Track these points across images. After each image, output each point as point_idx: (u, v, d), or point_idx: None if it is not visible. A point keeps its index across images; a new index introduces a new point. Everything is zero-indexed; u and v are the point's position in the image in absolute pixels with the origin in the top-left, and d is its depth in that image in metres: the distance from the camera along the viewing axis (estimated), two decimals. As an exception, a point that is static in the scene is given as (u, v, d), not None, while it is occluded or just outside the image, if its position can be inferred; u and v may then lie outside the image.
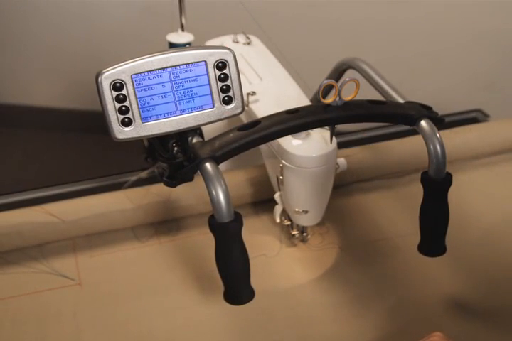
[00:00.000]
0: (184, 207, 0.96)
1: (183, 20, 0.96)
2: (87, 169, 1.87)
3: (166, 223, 0.97)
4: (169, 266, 0.90)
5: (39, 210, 0.91)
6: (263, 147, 0.87)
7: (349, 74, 0.91)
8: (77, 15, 1.86)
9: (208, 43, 0.98)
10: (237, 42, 0.98)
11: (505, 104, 1.78)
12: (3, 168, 1.92)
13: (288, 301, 0.85)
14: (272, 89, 0.89)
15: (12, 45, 1.95)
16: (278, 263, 0.91)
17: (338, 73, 0.93)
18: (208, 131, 0.88)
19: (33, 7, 1.85)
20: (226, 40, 0.98)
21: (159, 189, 0.95)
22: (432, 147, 0.70)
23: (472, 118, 1.27)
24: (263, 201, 0.99)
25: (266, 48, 0.98)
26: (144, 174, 1.04)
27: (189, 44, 0.96)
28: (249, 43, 0.98)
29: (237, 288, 0.68)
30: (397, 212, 0.90)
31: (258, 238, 0.94)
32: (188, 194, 0.95)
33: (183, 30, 0.96)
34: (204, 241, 0.93)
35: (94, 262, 0.91)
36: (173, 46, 0.96)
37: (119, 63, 0.58)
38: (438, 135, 0.70)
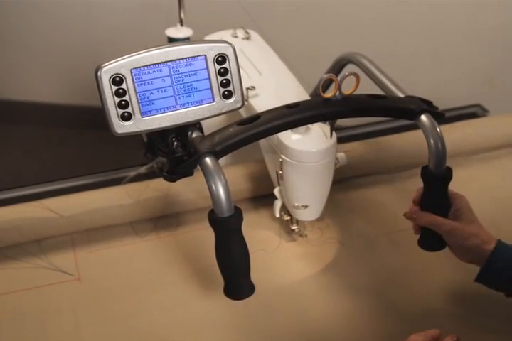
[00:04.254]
0: (183, 202, 0.96)
1: (182, 15, 0.95)
2: (85, 164, 1.86)
3: (164, 218, 0.97)
4: (168, 261, 0.90)
5: (38, 206, 0.90)
6: (262, 142, 0.87)
7: (348, 68, 0.91)
8: (77, 11, 1.85)
9: (207, 38, 0.98)
10: (236, 36, 0.98)
11: (505, 99, 1.78)
12: (3, 163, 1.92)
13: (287, 296, 0.85)
14: (271, 83, 0.88)
15: (11, 41, 1.94)
16: (277, 258, 0.91)
17: (337, 68, 0.93)
18: (207, 126, 0.88)
19: (32, 3, 1.84)
20: (225, 35, 0.98)
21: (158, 184, 0.95)
22: (432, 141, 0.70)
23: (471, 113, 1.27)
24: (262, 196, 0.99)
25: (265, 43, 0.98)
26: (143, 169, 1.03)
27: (188, 39, 0.95)
28: (248, 38, 0.98)
29: (238, 282, 0.68)
30: (396, 207, 0.90)
31: (257, 233, 0.94)
32: (186, 189, 0.95)
33: (182, 25, 0.96)
34: (203, 236, 0.92)
35: (93, 257, 0.91)
36: (172, 41, 0.95)
37: (119, 57, 0.58)
38: (438, 129, 0.70)
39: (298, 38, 1.70)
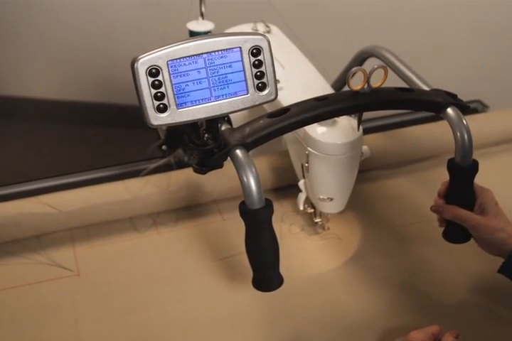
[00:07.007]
0: (183, 198, 0.95)
1: (203, 9, 0.95)
2: (85, 160, 1.86)
3: (164, 213, 0.97)
4: (168, 257, 0.90)
5: (37, 201, 0.90)
6: (287, 134, 0.86)
7: (369, 62, 0.91)
8: (78, 8, 1.84)
9: (227, 32, 0.98)
10: (256, 30, 0.98)
11: (504, 94, 1.78)
12: (2, 159, 1.92)
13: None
14: (295, 76, 0.89)
15: (12, 37, 1.94)
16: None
17: (359, 61, 0.93)
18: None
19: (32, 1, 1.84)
20: (245, 29, 0.98)
21: (157, 179, 0.94)
22: (459, 134, 0.71)
23: (471, 108, 1.27)
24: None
25: (285, 37, 0.98)
26: (161, 162, 1.03)
27: (209, 32, 0.95)
28: (268, 32, 0.98)
29: (267, 274, 0.68)
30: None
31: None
32: (186, 184, 0.95)
33: (203, 19, 0.96)
34: (203, 231, 0.93)
35: (92, 253, 0.91)
36: (193, 34, 0.95)
37: (155, 49, 0.58)
38: (465, 122, 0.71)
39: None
